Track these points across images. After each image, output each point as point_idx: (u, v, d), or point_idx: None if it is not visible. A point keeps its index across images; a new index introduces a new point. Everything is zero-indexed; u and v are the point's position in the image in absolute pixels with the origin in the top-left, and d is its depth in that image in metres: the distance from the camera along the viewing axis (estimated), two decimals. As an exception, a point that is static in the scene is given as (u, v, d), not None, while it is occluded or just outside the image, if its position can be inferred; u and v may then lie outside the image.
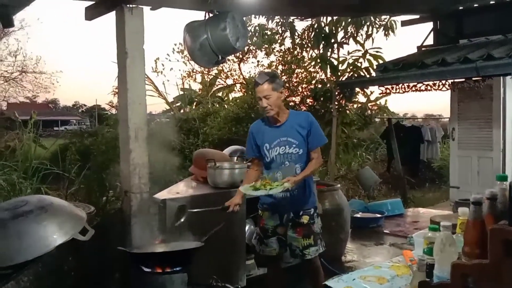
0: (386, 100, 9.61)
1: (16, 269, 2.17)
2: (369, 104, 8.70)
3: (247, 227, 3.71)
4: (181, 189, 3.49)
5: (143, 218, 2.98)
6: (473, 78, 5.28)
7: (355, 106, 8.24)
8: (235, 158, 4.16)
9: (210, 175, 3.56)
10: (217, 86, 10.82)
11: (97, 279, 2.64)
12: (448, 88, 5.97)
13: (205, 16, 3.44)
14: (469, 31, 6.35)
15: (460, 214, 1.71)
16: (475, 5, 6.10)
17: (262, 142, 2.93)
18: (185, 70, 9.47)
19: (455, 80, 5.88)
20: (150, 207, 3.07)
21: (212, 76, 10.14)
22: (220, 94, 11.12)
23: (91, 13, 3.22)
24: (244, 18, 3.60)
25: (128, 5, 2.90)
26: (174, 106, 10.68)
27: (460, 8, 6.35)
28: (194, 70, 8.99)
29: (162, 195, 3.25)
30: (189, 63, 8.91)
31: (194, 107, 10.44)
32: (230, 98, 10.26)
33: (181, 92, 10.63)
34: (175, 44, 8.91)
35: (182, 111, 10.33)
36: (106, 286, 2.74)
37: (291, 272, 3.68)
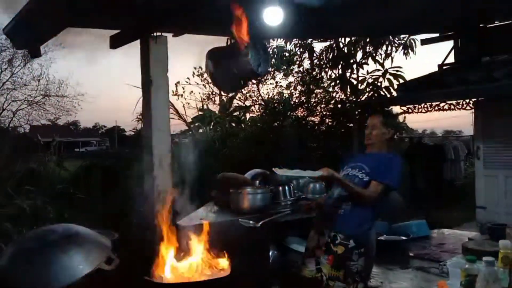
0: (404, 117, 9.50)
1: (43, 300, 2.17)
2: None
3: (270, 253, 3.65)
4: (204, 215, 3.46)
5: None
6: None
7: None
8: (257, 182, 4.12)
9: (233, 200, 3.52)
10: (233, 106, 10.89)
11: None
12: (472, 107, 5.86)
13: (227, 42, 3.47)
14: (492, 48, 6.25)
15: (501, 248, 1.63)
16: (497, 24, 6.03)
17: (345, 167, 2.94)
18: (204, 93, 9.58)
19: (480, 99, 5.76)
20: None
21: (228, 98, 10.22)
22: (236, 113, 11.17)
23: (116, 42, 3.28)
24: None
25: (152, 34, 2.95)
26: (193, 126, 10.77)
27: (481, 25, 6.27)
28: (214, 93, 9.08)
29: (184, 221, 3.22)
30: (209, 86, 9.00)
31: (211, 127, 10.50)
32: (247, 118, 10.29)
33: (200, 113, 10.73)
34: (195, 68, 9.06)
35: (201, 130, 10.40)
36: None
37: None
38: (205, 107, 9.84)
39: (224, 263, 2.76)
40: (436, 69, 6.72)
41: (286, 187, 3.96)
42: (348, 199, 2.77)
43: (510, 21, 5.86)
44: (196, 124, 11.04)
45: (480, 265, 1.86)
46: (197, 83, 9.23)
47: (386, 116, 2.86)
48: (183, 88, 9.28)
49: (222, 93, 8.98)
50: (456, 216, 9.09)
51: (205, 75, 8.81)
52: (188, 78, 9.30)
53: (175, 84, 9.16)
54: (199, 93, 9.58)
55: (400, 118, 9.52)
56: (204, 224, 3.16)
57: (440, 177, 8.73)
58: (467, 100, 5.51)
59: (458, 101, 5.54)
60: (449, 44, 6.64)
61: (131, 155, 7.25)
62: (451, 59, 6.74)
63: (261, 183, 4.07)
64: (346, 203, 2.77)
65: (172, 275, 2.66)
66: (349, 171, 2.85)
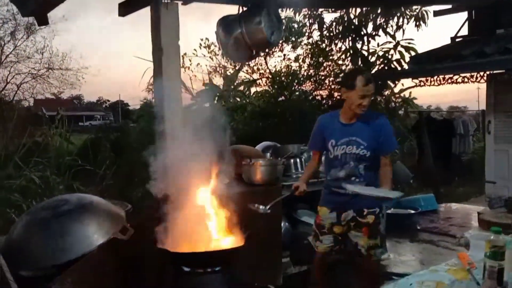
0: (410, 92, 9.35)
1: (58, 269, 2.16)
2: (392, 97, 8.44)
3: (282, 225, 3.65)
4: (217, 187, 3.42)
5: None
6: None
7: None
8: (268, 154, 4.08)
9: (246, 172, 3.49)
10: (239, 79, 10.75)
11: (137, 279, 2.62)
12: (485, 80, 5.74)
13: (238, 10, 3.36)
14: (506, 21, 6.07)
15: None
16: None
17: (329, 137, 2.86)
18: (211, 65, 9.42)
19: (493, 72, 5.63)
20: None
21: (235, 71, 10.07)
22: (241, 88, 11.04)
23: (125, 9, 3.18)
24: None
25: (163, 0, 2.84)
26: (198, 99, 10.67)
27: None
28: (221, 65, 8.94)
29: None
30: (216, 58, 8.86)
31: (216, 102, 10.39)
32: (252, 92, 10.17)
33: (204, 87, 10.62)
34: (202, 39, 8.88)
35: (206, 104, 10.30)
36: (145, 287, 2.71)
37: (336, 272, 3.58)
38: (212, 79, 9.71)
39: (238, 234, 2.74)
40: (449, 41, 6.57)
41: (298, 160, 3.92)
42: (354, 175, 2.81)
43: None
44: (201, 98, 10.94)
45: (506, 237, 1.83)
46: (204, 55, 9.08)
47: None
48: (190, 61, 9.13)
49: (229, 65, 8.85)
50: (464, 191, 9.09)
51: (212, 47, 8.66)
52: (195, 50, 9.16)
53: (182, 56, 9.03)
54: (206, 65, 9.44)
55: (407, 93, 9.40)
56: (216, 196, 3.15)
57: (449, 151, 8.65)
58: (481, 73, 5.38)
59: (472, 74, 5.41)
60: (462, 16, 6.47)
61: (138, 128, 7.20)
62: (464, 31, 6.58)
63: (271, 155, 4.03)
64: (354, 179, 2.80)
65: (186, 244, 2.65)
66: (344, 148, 2.80)
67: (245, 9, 3.35)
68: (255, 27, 3.20)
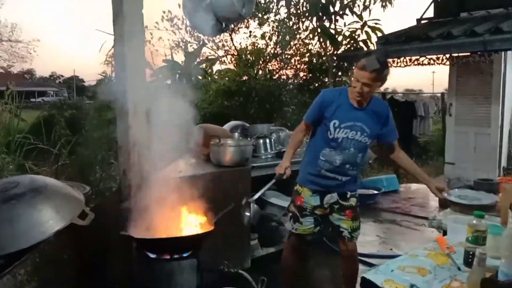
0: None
1: (9, 260, 1.94)
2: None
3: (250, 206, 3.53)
4: (183, 168, 3.25)
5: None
6: (479, 52, 5.11)
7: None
8: (236, 134, 3.93)
9: (214, 152, 3.33)
10: (202, 56, 10.40)
11: (98, 267, 2.43)
12: (450, 62, 5.82)
13: (207, -21, 3.12)
14: (470, 4, 6.16)
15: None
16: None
17: (331, 115, 2.65)
18: (174, 40, 9.04)
19: (458, 55, 5.71)
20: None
21: (198, 47, 9.72)
22: (204, 65, 10.72)
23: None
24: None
25: (125, -37, 2.58)
26: (159, 76, 10.26)
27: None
28: (184, 40, 8.58)
29: (162, 175, 3.01)
30: (179, 32, 8.50)
31: (177, 79, 10.03)
32: (214, 71, 9.88)
33: (164, 64, 10.20)
34: (164, 12, 8.47)
35: (168, 82, 9.92)
36: (108, 275, 2.53)
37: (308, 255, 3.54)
38: (174, 55, 9.33)
39: (206, 218, 2.61)
40: (414, 23, 6.60)
41: (267, 140, 3.80)
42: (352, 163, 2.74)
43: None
44: (161, 76, 10.52)
45: (488, 222, 1.79)
46: (166, 29, 8.69)
47: (380, 71, 2.52)
48: (151, 34, 8.70)
49: (193, 41, 8.52)
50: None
51: (175, 20, 8.29)
52: (156, 23, 8.73)
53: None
54: (168, 40, 9.04)
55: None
56: (183, 178, 2.98)
57: (410, 133, 8.84)
58: (447, 56, 5.43)
59: (438, 56, 5.46)
60: (429, -3, 6.49)
61: (95, 104, 6.81)
62: (429, 13, 6.63)
63: (240, 135, 3.88)
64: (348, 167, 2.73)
65: (150, 230, 2.48)
66: (348, 132, 2.64)
67: (214, -22, 3.12)
68: (226, -2, 2.99)
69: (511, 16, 5.23)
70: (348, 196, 2.78)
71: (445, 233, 2.46)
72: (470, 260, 1.67)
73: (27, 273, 1.87)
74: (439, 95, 10.44)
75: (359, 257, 3.98)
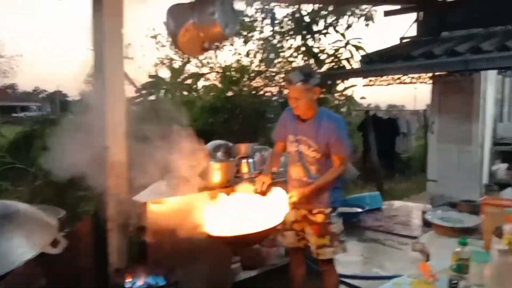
0: (352, 91, 9.48)
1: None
2: (335, 95, 8.50)
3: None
4: (163, 189, 3.17)
5: (121, 225, 2.67)
6: (460, 72, 5.19)
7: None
8: (219, 154, 3.87)
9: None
10: (186, 73, 10.36)
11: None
12: (432, 81, 5.89)
13: (190, -2, 3.10)
14: (452, 24, 6.29)
15: (507, 232, 1.52)
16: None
17: (288, 131, 2.88)
18: (158, 57, 9.00)
19: (440, 74, 5.79)
20: (130, 211, 2.74)
21: (181, 63, 9.68)
22: (189, 81, 10.66)
23: (61, -10, 2.82)
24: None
25: (105, -17, 2.55)
26: (143, 92, 10.15)
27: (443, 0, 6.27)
28: (168, 57, 8.54)
29: (142, 196, 2.93)
30: (163, 49, 8.46)
31: (163, 95, 9.95)
32: (199, 86, 9.84)
33: (150, 79, 10.13)
34: (148, 29, 8.46)
35: (152, 97, 9.82)
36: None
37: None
38: (158, 72, 9.27)
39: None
40: (397, 42, 6.70)
41: (251, 160, 3.75)
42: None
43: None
44: (146, 91, 10.42)
45: (473, 248, 1.76)
46: (151, 46, 8.65)
47: (306, 81, 2.65)
48: (135, 51, 8.64)
49: (177, 58, 8.48)
50: (404, 188, 9.38)
51: (159, 38, 8.25)
52: (140, 40, 8.69)
53: (125, 47, 8.53)
54: (153, 56, 9.01)
55: (349, 91, 9.53)
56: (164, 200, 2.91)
57: (392, 149, 8.91)
58: (429, 74, 5.51)
59: (420, 74, 5.53)
60: (412, 17, 6.61)
61: (77, 121, 6.65)
62: (412, 32, 6.74)
63: (223, 155, 3.82)
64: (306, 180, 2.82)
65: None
66: (297, 146, 2.81)
67: (197, -2, 3.10)
68: (209, 18, 2.96)
69: (491, 35, 5.35)
70: (314, 212, 2.83)
71: (428, 257, 2.44)
72: (454, 289, 1.63)
73: (-7, 306, 1.76)
74: (421, 111, 10.60)
75: (342, 279, 3.96)
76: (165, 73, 9.97)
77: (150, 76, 10.14)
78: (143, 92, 10.55)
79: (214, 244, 2.92)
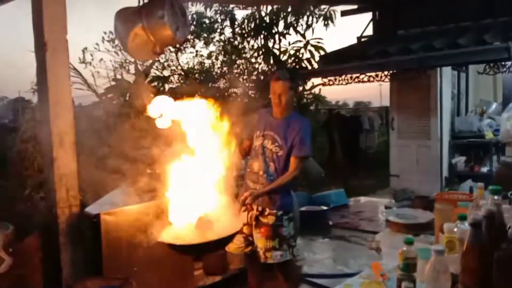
0: (320, 89, 9.59)
1: None
2: (304, 93, 8.58)
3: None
4: (117, 200, 3.08)
5: (74, 238, 2.58)
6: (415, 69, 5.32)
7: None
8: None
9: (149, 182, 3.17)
10: (151, 76, 10.17)
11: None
12: (389, 79, 6.01)
13: (139, 2, 3.02)
14: (407, 22, 6.43)
15: (446, 231, 1.54)
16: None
17: (258, 128, 2.92)
18: (116, 61, 8.77)
19: (396, 72, 5.92)
20: (82, 224, 2.65)
21: (145, 67, 9.50)
22: (155, 84, 10.48)
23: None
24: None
25: (45, -13, 2.44)
26: (105, 97, 9.88)
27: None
28: (127, 61, 8.34)
29: (95, 208, 2.84)
30: (121, 53, 8.25)
31: (127, 99, 9.72)
32: (166, 89, 9.69)
33: (113, 83, 9.87)
34: (105, 33, 8.23)
35: (115, 102, 9.58)
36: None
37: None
38: (118, 76, 9.05)
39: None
40: (355, 41, 6.80)
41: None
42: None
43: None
44: (109, 96, 10.16)
45: (418, 246, 1.78)
46: (108, 50, 8.42)
47: (291, 80, 2.86)
48: (92, 55, 8.40)
49: (138, 61, 8.31)
50: (370, 184, 9.55)
51: (117, 41, 8.05)
52: (97, 44, 8.45)
53: (82, 51, 8.28)
54: (111, 60, 8.76)
55: (316, 89, 9.64)
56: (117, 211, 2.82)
57: (356, 146, 9.06)
58: (386, 72, 5.62)
59: (377, 73, 5.63)
60: (368, 16, 6.73)
61: (33, 130, 6.40)
62: (369, 31, 6.86)
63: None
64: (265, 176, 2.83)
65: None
66: (262, 140, 2.85)
67: (146, 0, 3.03)
68: (158, 22, 2.89)
69: (444, 33, 5.50)
70: (266, 213, 2.81)
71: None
72: (401, 288, 1.64)
73: None
74: (384, 107, 10.83)
75: (307, 278, 3.98)
76: (126, 77, 9.76)
77: (114, 80, 9.90)
78: (108, 95, 10.30)
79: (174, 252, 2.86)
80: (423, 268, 1.68)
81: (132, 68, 8.21)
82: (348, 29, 7.63)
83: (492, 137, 6.43)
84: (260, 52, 6.99)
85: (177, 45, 7.98)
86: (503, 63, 4.77)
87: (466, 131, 6.70)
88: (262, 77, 7.30)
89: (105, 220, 2.69)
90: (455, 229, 1.53)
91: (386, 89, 6.70)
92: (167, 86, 9.65)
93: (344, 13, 6.90)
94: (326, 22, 7.24)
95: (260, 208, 2.81)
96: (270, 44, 6.83)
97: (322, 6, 7.24)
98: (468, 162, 6.71)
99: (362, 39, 6.65)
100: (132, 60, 8.56)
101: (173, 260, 2.95)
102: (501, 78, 6.75)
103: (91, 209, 2.82)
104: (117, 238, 2.73)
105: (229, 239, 2.18)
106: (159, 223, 2.53)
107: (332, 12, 7.31)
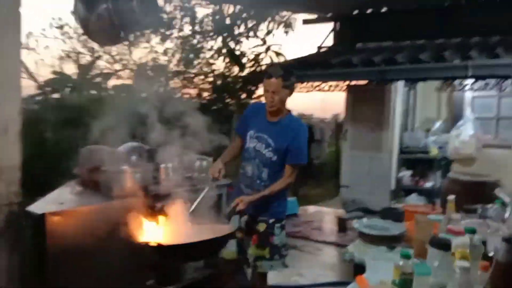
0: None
1: None
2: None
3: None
4: (65, 198, 2.73)
5: (11, 241, 2.23)
6: (375, 81, 5.40)
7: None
8: (133, 157, 3.51)
9: (105, 180, 2.87)
10: (99, 70, 9.60)
11: None
12: (345, 90, 6.07)
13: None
14: (365, 36, 6.56)
15: (459, 246, 1.44)
16: (370, 11, 6.31)
17: (251, 126, 2.76)
18: (64, 50, 8.16)
19: (356, 83, 5.99)
20: (23, 223, 2.31)
21: (89, 60, 8.93)
22: (99, 79, 9.90)
23: None
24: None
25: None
26: (46, 89, 9.17)
27: (357, 12, 6.52)
28: (75, 50, 7.77)
29: (39, 207, 2.49)
30: (70, 41, 7.69)
31: (69, 93, 9.09)
32: (110, 86, 9.17)
33: (53, 76, 9.20)
34: (53, 19, 7.63)
35: (56, 95, 8.91)
36: None
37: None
38: (63, 66, 8.43)
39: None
40: (315, 50, 6.83)
41: (169, 165, 3.45)
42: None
43: (384, 10, 6.18)
44: (50, 89, 9.45)
45: (414, 261, 1.68)
46: (56, 37, 7.81)
47: (285, 78, 2.63)
48: (37, 41, 7.75)
49: (86, 52, 7.78)
50: (318, 193, 9.64)
51: (66, 28, 7.51)
52: (43, 30, 7.81)
53: (26, 35, 7.62)
54: (57, 49, 8.15)
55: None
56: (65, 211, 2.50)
57: (308, 156, 9.10)
58: (347, 82, 5.65)
59: (338, 83, 5.66)
60: (329, 27, 6.79)
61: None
62: (329, 42, 6.92)
63: (138, 159, 3.47)
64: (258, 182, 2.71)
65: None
66: (256, 143, 2.68)
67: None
68: (125, 4, 2.64)
69: (401, 49, 5.64)
70: (257, 219, 2.70)
71: (357, 266, 2.37)
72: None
73: None
74: (328, 120, 11.09)
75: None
76: (71, 69, 9.14)
77: (54, 73, 9.22)
78: (46, 89, 9.57)
79: (126, 259, 2.59)
80: (419, 285, 1.58)
81: (82, 59, 7.67)
82: (308, 39, 7.68)
83: (436, 154, 6.68)
84: (221, 53, 6.80)
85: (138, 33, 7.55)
86: (460, 81, 4.97)
87: (413, 146, 6.92)
88: (219, 80, 7.12)
89: (51, 221, 2.35)
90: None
91: (328, 103, 6.80)
92: (111, 83, 9.13)
93: (306, 22, 6.92)
94: (286, 29, 7.23)
95: (253, 213, 2.70)
96: (231, 46, 6.66)
97: (283, 13, 7.22)
98: (413, 176, 6.92)
99: (322, 49, 6.69)
100: (80, 50, 8.03)
101: (128, 269, 2.68)
102: (445, 97, 7.06)
103: (35, 207, 2.46)
104: (65, 243, 2.40)
105: (224, 239, 2.00)
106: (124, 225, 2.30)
107: (292, 20, 7.32)
